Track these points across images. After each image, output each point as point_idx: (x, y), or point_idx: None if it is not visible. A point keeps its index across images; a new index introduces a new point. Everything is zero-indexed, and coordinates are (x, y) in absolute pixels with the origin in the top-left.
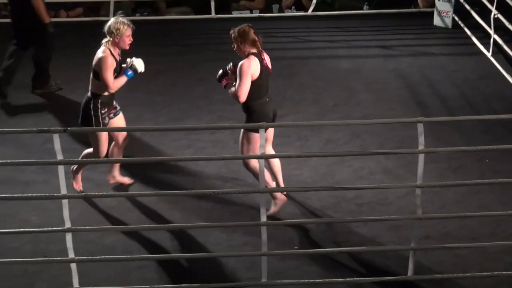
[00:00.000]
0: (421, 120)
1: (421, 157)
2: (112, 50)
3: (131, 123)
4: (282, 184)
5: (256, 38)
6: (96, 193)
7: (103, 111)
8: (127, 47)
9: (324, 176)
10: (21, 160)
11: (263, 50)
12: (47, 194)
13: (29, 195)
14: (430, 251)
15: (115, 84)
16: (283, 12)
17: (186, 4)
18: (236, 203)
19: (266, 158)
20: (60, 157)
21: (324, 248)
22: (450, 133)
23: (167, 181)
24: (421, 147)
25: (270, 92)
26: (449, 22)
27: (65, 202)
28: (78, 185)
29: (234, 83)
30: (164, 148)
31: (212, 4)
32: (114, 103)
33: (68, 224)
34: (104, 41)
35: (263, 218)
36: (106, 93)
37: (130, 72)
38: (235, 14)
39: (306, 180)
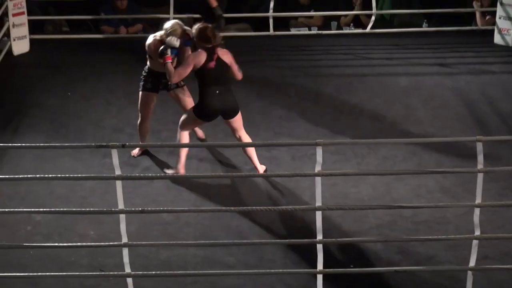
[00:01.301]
0: (480, 139)
1: (480, 176)
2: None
3: (189, 140)
4: (257, 165)
5: (210, 36)
6: (153, 209)
7: (147, 79)
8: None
9: (381, 194)
10: (79, 175)
11: (217, 46)
12: (105, 209)
13: (87, 209)
14: (488, 272)
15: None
16: (342, 29)
17: (245, 21)
18: (291, 220)
19: (323, 175)
20: (118, 172)
21: (380, 267)
22: (511, 152)
23: (223, 197)
24: (480, 166)
25: (326, 109)
26: (510, 40)
27: (122, 217)
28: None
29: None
30: (221, 164)
31: (271, 21)
32: (165, 80)
33: (125, 239)
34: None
35: (319, 236)
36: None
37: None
38: (293, 31)
39: (363, 198)
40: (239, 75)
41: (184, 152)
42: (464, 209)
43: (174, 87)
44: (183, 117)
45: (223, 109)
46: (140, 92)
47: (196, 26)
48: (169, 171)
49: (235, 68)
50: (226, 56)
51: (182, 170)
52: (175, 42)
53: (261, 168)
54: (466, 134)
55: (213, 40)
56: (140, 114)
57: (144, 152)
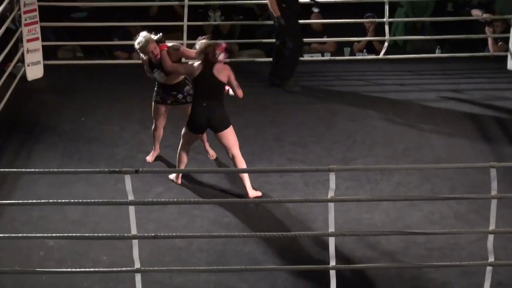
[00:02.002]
0: (493, 165)
1: (494, 202)
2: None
3: (203, 165)
4: (248, 186)
5: (210, 52)
6: (166, 234)
7: (158, 90)
8: (156, 59)
9: (395, 220)
10: (92, 200)
11: (220, 62)
12: (117, 234)
13: (100, 234)
14: None
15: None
16: (355, 55)
17: (258, 46)
18: (304, 246)
19: (336, 201)
20: (131, 197)
21: None
22: None
23: (235, 223)
24: (493, 192)
25: (340, 135)
26: None
27: (135, 242)
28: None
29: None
30: (234, 189)
31: None
32: (175, 93)
33: (137, 265)
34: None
35: (332, 262)
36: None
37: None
38: (307, 57)
39: (377, 224)
40: (239, 92)
41: (183, 164)
42: (478, 235)
43: (183, 103)
44: (182, 133)
45: (208, 121)
46: (152, 103)
47: (201, 41)
48: (172, 176)
49: (234, 84)
50: (223, 72)
51: (179, 180)
52: (161, 78)
53: (253, 194)
54: (479, 160)
55: (211, 56)
56: (154, 122)
57: (157, 158)
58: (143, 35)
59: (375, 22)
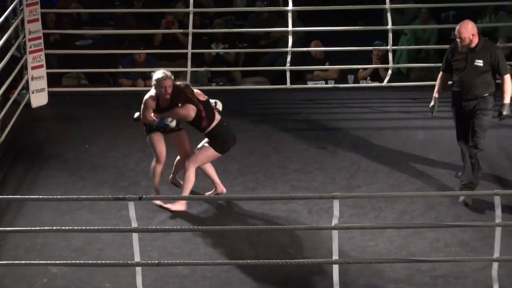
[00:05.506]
0: (498, 192)
1: (498, 230)
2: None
3: (206, 192)
4: (219, 183)
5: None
6: (169, 261)
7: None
8: (166, 97)
9: (399, 247)
10: (96, 227)
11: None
12: (121, 261)
13: (103, 262)
14: None
15: (148, 120)
16: (359, 82)
17: (262, 74)
18: (308, 273)
19: (340, 229)
20: (134, 224)
21: None
22: None
23: (239, 250)
24: (498, 220)
25: (344, 162)
26: None
27: (138, 269)
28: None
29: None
30: (238, 217)
31: (288, 74)
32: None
33: None
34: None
35: None
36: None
37: (160, 121)
38: (310, 85)
39: (381, 252)
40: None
41: (189, 189)
42: (482, 263)
43: (176, 130)
44: (198, 155)
45: (234, 139)
46: (147, 136)
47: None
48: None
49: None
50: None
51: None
52: (172, 123)
53: (222, 189)
54: (484, 188)
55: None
56: (155, 156)
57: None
58: (162, 71)
59: (380, 50)
